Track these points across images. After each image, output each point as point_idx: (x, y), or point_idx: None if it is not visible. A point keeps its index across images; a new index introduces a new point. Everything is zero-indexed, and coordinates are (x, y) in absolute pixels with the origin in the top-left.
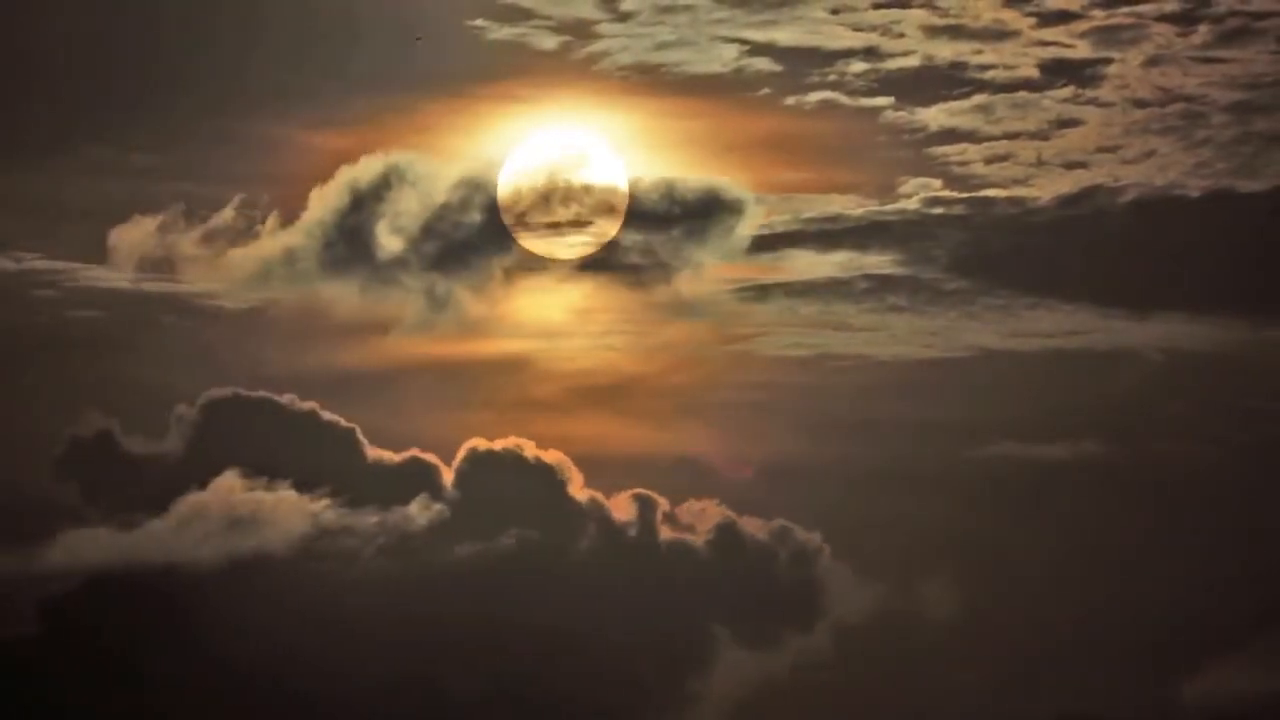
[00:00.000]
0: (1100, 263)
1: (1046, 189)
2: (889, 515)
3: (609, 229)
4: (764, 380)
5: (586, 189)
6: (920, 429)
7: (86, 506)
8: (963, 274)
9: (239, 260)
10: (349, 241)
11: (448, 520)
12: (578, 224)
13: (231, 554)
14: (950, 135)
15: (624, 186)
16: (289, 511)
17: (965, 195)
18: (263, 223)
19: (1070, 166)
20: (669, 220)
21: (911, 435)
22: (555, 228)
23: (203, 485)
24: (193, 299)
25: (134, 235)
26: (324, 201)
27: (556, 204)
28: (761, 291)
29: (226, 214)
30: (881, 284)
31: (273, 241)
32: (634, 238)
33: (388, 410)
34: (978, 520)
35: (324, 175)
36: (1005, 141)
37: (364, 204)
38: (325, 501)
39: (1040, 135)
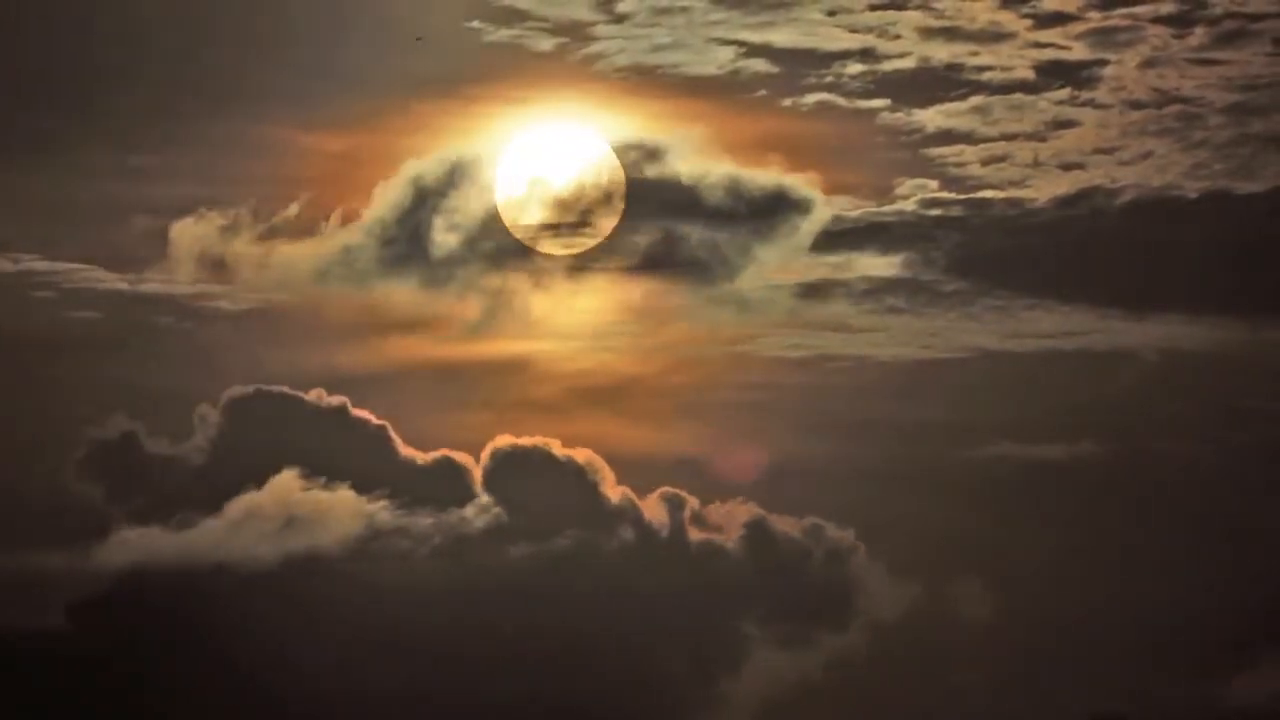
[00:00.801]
0: (1098, 264)
1: (1044, 190)
2: (889, 515)
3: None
4: (765, 380)
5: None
6: (918, 429)
7: (112, 505)
8: (961, 275)
9: (293, 259)
10: (409, 239)
11: (505, 523)
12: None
13: (286, 553)
14: (947, 136)
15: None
16: (343, 511)
17: (962, 197)
18: (326, 219)
19: (1067, 168)
20: (734, 217)
21: (910, 436)
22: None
23: (255, 485)
24: (190, 300)
25: (195, 232)
26: (386, 198)
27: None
28: (766, 292)
29: (289, 213)
30: (880, 285)
31: (331, 240)
32: (701, 234)
33: (416, 409)
34: (981, 520)
35: (324, 176)
36: (1002, 143)
37: (426, 201)
38: (383, 503)
39: (1037, 136)
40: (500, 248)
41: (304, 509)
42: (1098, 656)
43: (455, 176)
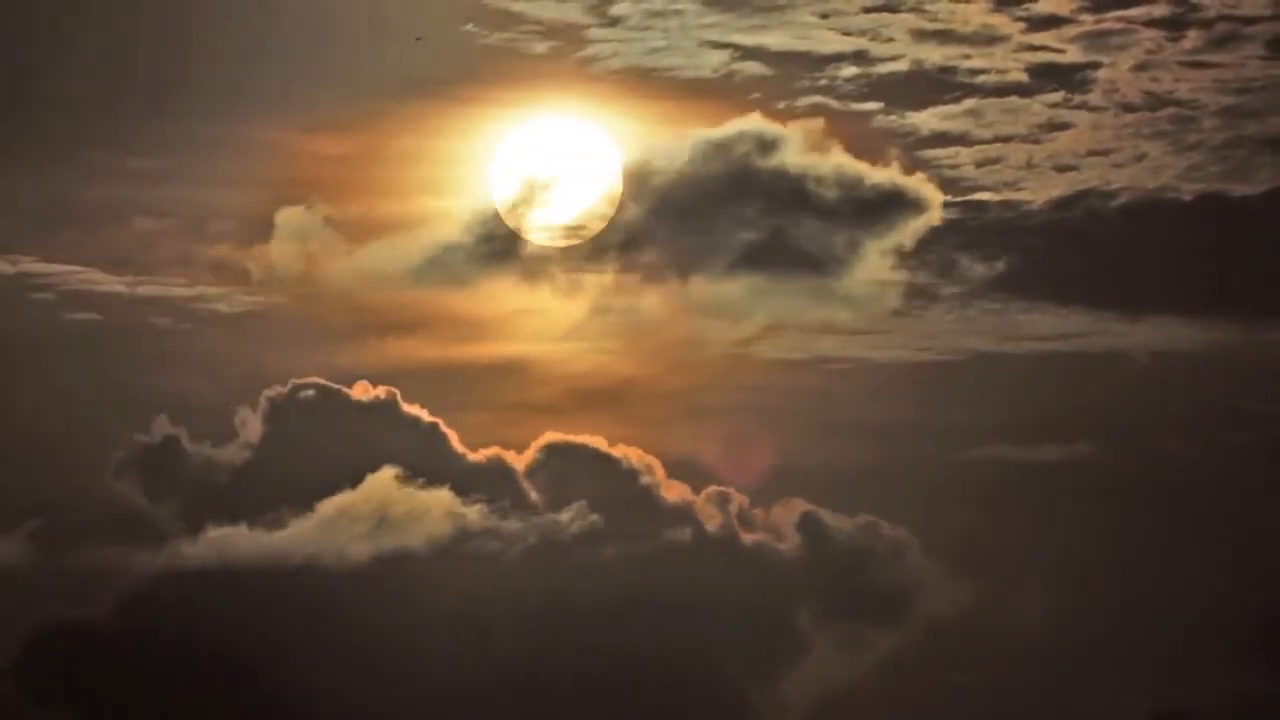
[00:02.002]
0: (1093, 266)
1: (1038, 192)
2: (890, 515)
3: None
4: (763, 382)
5: None
6: (918, 430)
7: (155, 507)
8: (957, 277)
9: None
10: (505, 236)
11: (599, 528)
12: None
13: (375, 553)
14: (941, 139)
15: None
16: (436, 512)
17: (958, 199)
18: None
19: (1062, 170)
20: (841, 212)
21: (908, 437)
22: None
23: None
24: (188, 303)
25: (300, 220)
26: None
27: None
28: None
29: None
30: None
31: (420, 237)
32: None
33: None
34: (981, 521)
35: (326, 177)
36: (997, 145)
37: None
38: (479, 506)
39: (1031, 139)
40: (597, 247)
41: (396, 509)
42: (1151, 655)
43: (548, 177)
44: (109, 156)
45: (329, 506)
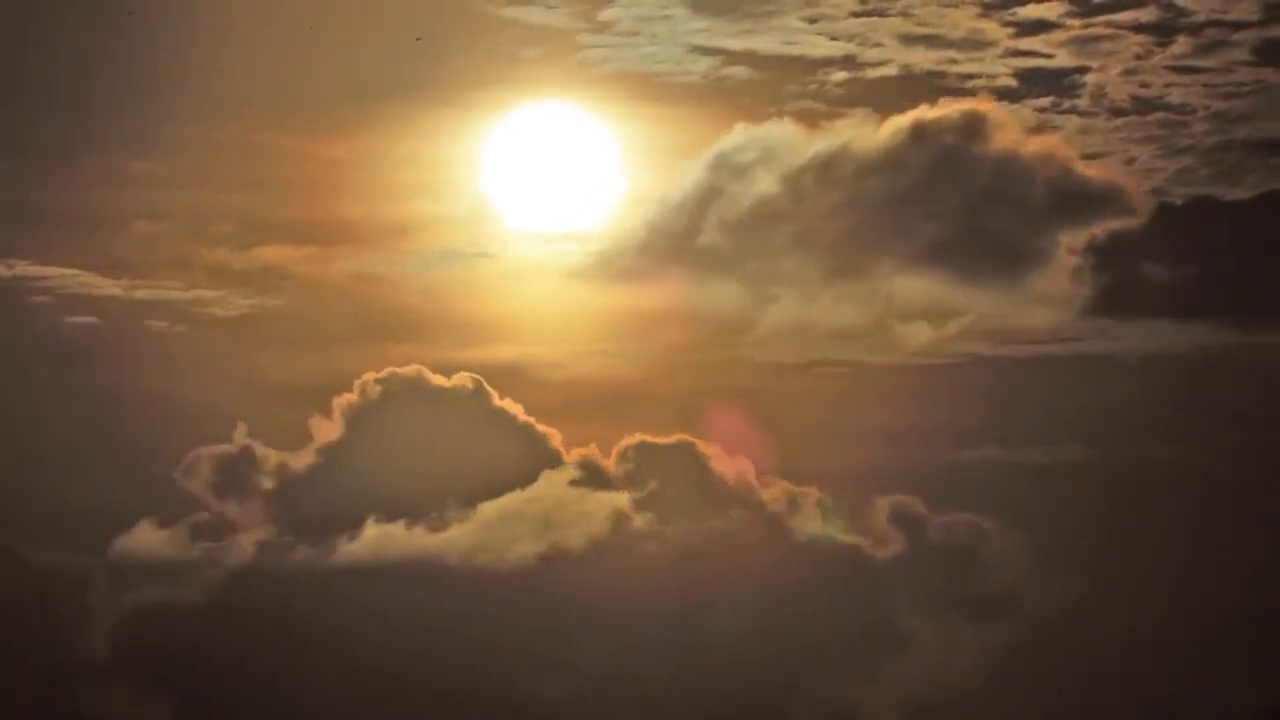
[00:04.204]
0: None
1: None
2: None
3: None
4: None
5: None
6: (916, 432)
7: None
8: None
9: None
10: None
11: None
12: None
13: (540, 553)
14: None
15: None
16: (601, 513)
17: None
18: None
19: None
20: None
21: (906, 438)
22: None
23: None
24: (186, 305)
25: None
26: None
27: None
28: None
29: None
30: None
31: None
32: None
33: None
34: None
35: (323, 179)
36: None
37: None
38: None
39: None
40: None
41: (561, 510)
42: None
43: (725, 175)
44: (106, 160)
45: (489, 509)
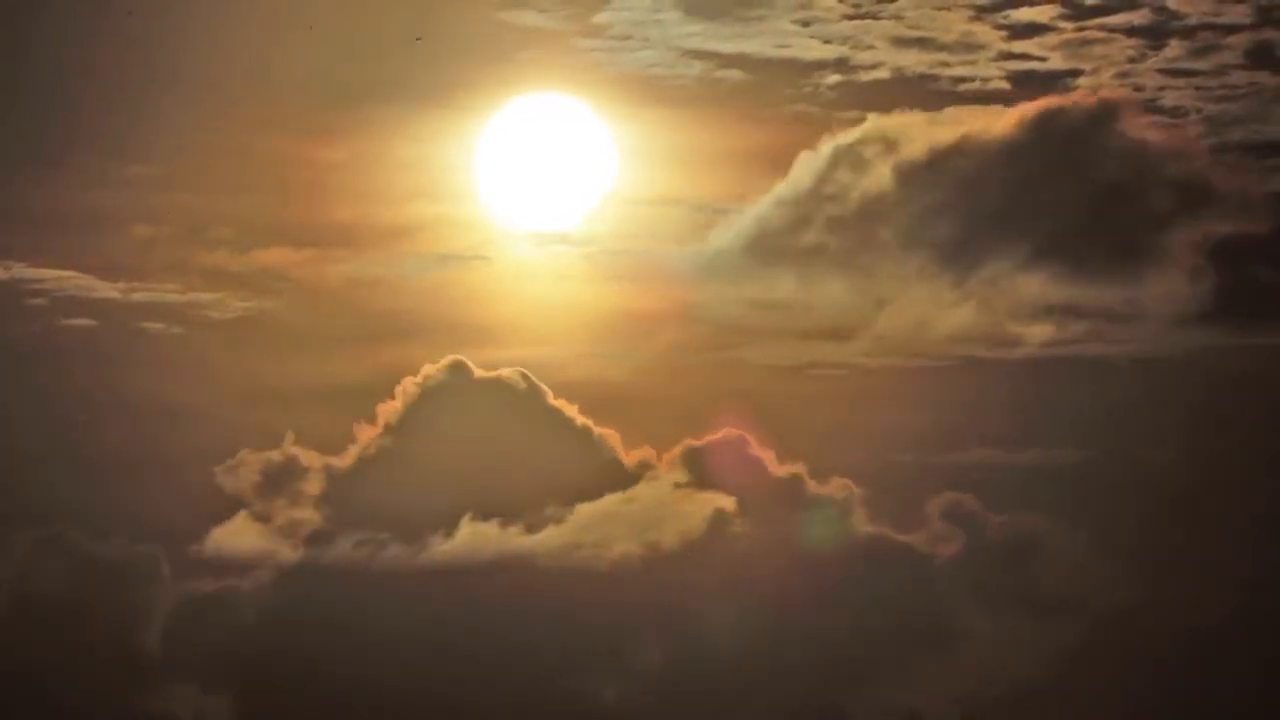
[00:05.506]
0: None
1: None
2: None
3: None
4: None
5: None
6: (913, 434)
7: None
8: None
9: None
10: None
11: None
12: None
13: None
14: None
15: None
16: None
17: None
18: None
19: None
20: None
21: (904, 439)
22: None
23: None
24: (184, 308)
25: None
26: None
27: None
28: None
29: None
30: None
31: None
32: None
33: None
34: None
35: (320, 182)
36: None
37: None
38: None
39: None
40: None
41: (657, 511)
42: None
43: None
44: (104, 162)
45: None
